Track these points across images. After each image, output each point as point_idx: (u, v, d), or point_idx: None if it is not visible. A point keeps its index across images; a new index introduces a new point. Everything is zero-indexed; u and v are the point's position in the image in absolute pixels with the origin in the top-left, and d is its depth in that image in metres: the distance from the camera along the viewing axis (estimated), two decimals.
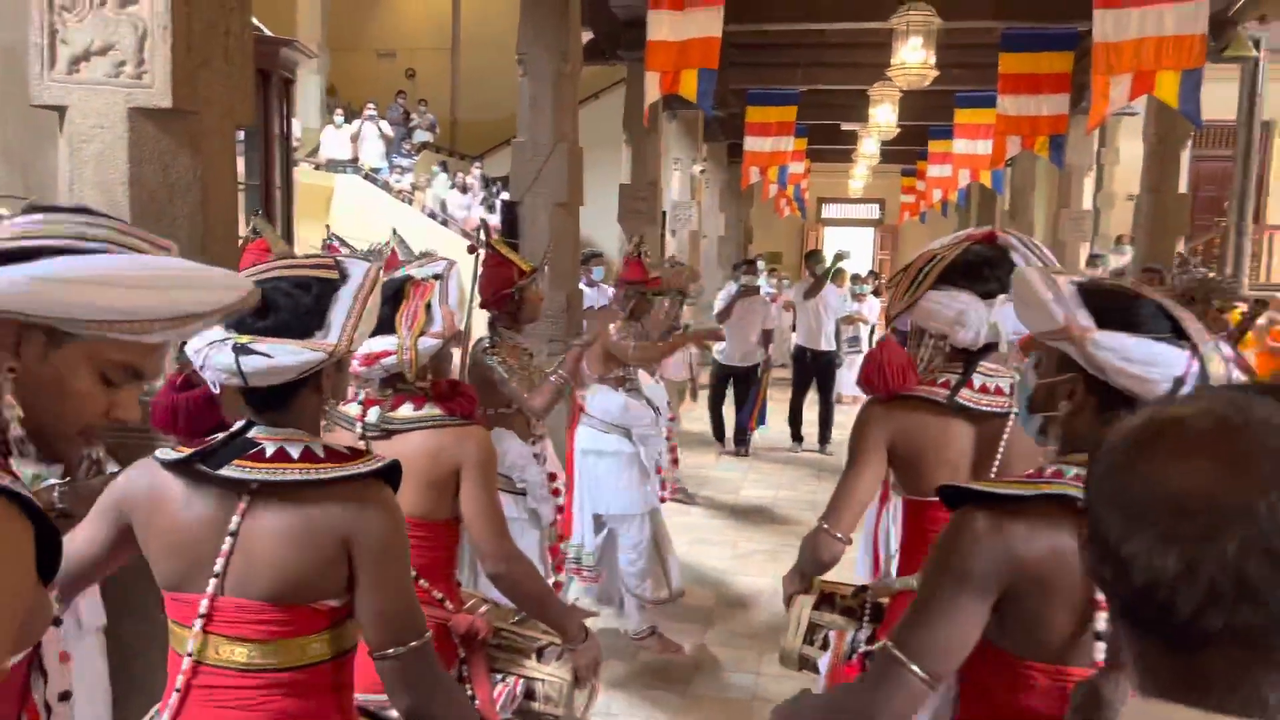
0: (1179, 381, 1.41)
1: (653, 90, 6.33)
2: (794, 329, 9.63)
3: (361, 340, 1.63)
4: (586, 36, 9.05)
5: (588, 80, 13.96)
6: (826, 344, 9.00)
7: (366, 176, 14.00)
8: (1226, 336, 6.31)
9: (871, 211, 22.30)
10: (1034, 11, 8.25)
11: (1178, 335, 1.46)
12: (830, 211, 22.60)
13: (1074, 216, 11.05)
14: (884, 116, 10.32)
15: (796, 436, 9.02)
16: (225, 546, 1.53)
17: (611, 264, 10.00)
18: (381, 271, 1.75)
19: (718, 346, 8.18)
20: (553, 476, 4.04)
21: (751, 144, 11.54)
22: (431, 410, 2.29)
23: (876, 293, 13.51)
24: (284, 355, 1.51)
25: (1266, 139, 12.55)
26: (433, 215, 14.45)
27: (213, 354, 1.52)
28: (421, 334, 2.25)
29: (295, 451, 1.56)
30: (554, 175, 6.21)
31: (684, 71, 6.19)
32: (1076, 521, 1.24)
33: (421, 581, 2.21)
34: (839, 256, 9.54)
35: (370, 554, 1.54)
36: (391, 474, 1.60)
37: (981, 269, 2.20)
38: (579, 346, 3.64)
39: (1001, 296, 2.19)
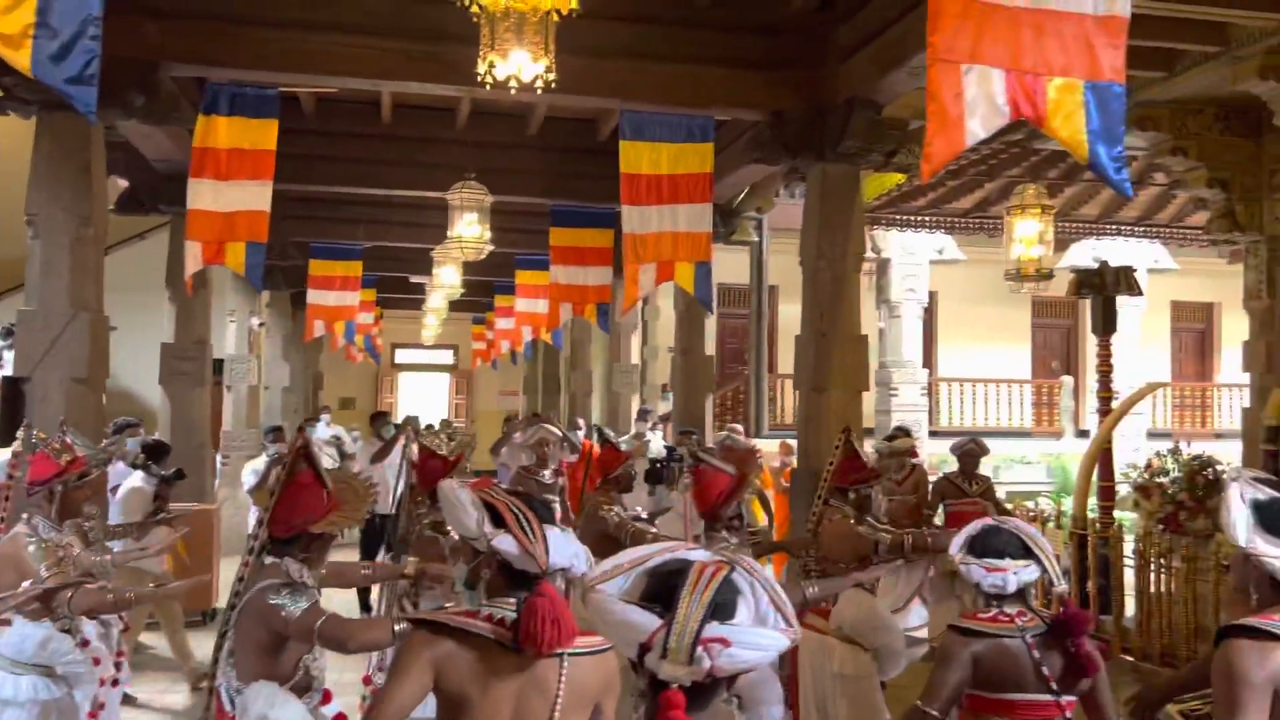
0: (643, 648, 1.51)
1: (194, 261, 5.94)
2: None
3: None
4: (122, 185, 8.39)
5: (129, 221, 12.84)
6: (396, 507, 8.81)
7: None
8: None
9: (446, 357, 22.66)
10: (576, 193, 9.04)
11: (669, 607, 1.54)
12: (405, 356, 22.61)
13: (624, 370, 12.05)
14: (448, 277, 10.63)
15: (365, 605, 8.63)
16: None
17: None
18: None
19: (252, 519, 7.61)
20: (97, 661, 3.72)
21: (315, 297, 11.25)
22: None
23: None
24: None
25: (774, 300, 14.72)
26: None
27: None
28: None
29: None
30: (72, 347, 5.55)
31: (230, 244, 5.90)
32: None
33: None
34: (406, 421, 9.47)
35: None
36: None
37: (532, 501, 2.30)
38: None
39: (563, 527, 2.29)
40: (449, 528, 4.34)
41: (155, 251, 11.99)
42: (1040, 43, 2.86)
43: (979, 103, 2.80)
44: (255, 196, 5.95)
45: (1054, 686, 2.71)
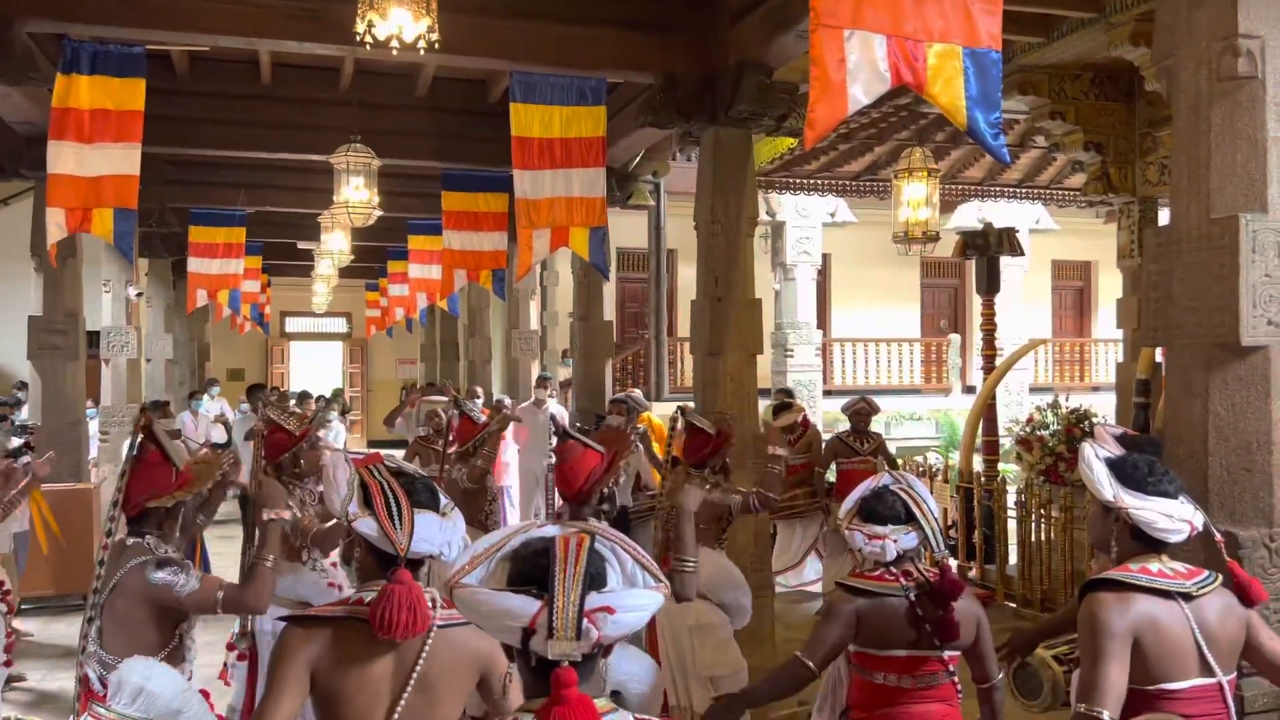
0: (527, 632, 1.49)
1: (57, 229, 5.57)
2: None
3: None
4: None
5: None
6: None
7: None
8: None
9: (339, 325, 22.07)
10: (468, 156, 8.83)
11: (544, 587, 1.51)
12: (296, 325, 21.93)
13: (523, 336, 11.92)
14: (336, 243, 10.32)
15: None
16: None
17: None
18: None
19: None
20: None
21: (196, 265, 10.80)
22: None
23: (344, 412, 13.25)
24: None
25: (673, 264, 14.77)
26: None
27: None
28: None
29: None
30: None
31: (97, 210, 5.57)
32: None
33: None
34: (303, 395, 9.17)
35: None
36: None
37: (424, 487, 2.26)
38: None
39: (447, 503, 2.28)
40: (290, 501, 4.29)
41: (20, 219, 11.29)
42: (920, 9, 2.88)
43: (861, 69, 2.81)
44: (122, 160, 5.61)
45: (936, 643, 2.80)
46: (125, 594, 2.81)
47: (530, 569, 1.52)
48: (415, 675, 2.14)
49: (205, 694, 2.86)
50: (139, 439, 3.02)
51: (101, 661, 2.80)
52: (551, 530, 1.57)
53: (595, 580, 1.50)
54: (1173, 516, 2.40)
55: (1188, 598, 2.37)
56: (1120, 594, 2.35)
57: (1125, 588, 2.36)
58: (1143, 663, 2.31)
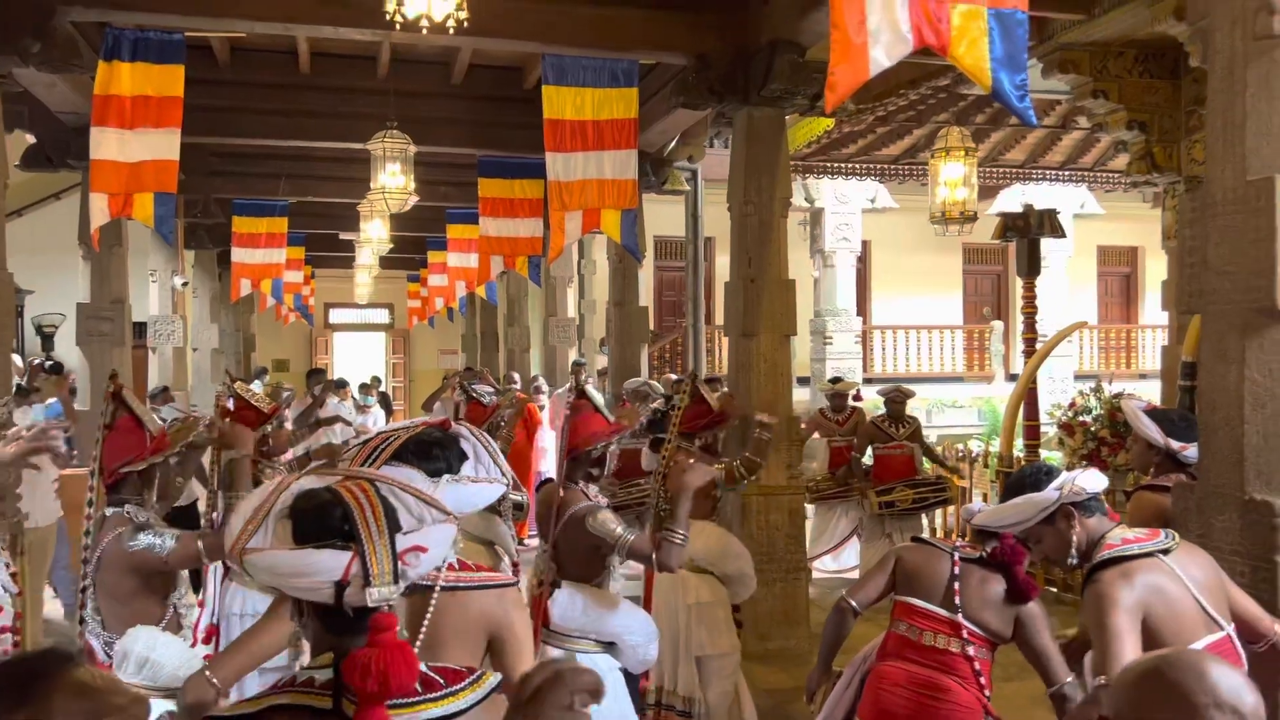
0: (340, 585, 1.41)
1: (101, 213, 5.69)
2: None
3: None
4: (28, 140, 8.07)
5: (43, 182, 12.35)
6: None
7: None
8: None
9: (382, 316, 22.31)
10: (503, 143, 8.88)
11: (347, 538, 1.44)
12: (339, 316, 22.20)
13: (560, 324, 11.97)
14: (376, 232, 10.42)
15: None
16: None
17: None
18: None
19: None
20: None
21: (240, 255, 10.96)
22: None
23: (385, 402, 13.39)
24: None
25: (710, 252, 14.69)
26: None
27: None
28: None
29: None
30: None
31: (138, 195, 5.68)
32: None
33: None
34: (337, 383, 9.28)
35: None
36: None
37: (432, 449, 2.29)
38: None
39: (446, 477, 2.27)
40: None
41: (71, 211, 11.56)
42: None
43: (883, 30, 2.77)
44: (162, 145, 5.71)
45: (957, 602, 2.80)
46: (111, 567, 2.78)
47: (317, 524, 1.44)
48: (423, 633, 2.18)
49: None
50: (114, 407, 2.96)
51: (104, 640, 2.81)
52: (312, 482, 1.50)
53: (394, 524, 1.47)
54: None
55: (1166, 552, 2.43)
56: (1121, 569, 2.38)
57: (1122, 560, 2.40)
58: (1157, 635, 2.31)
